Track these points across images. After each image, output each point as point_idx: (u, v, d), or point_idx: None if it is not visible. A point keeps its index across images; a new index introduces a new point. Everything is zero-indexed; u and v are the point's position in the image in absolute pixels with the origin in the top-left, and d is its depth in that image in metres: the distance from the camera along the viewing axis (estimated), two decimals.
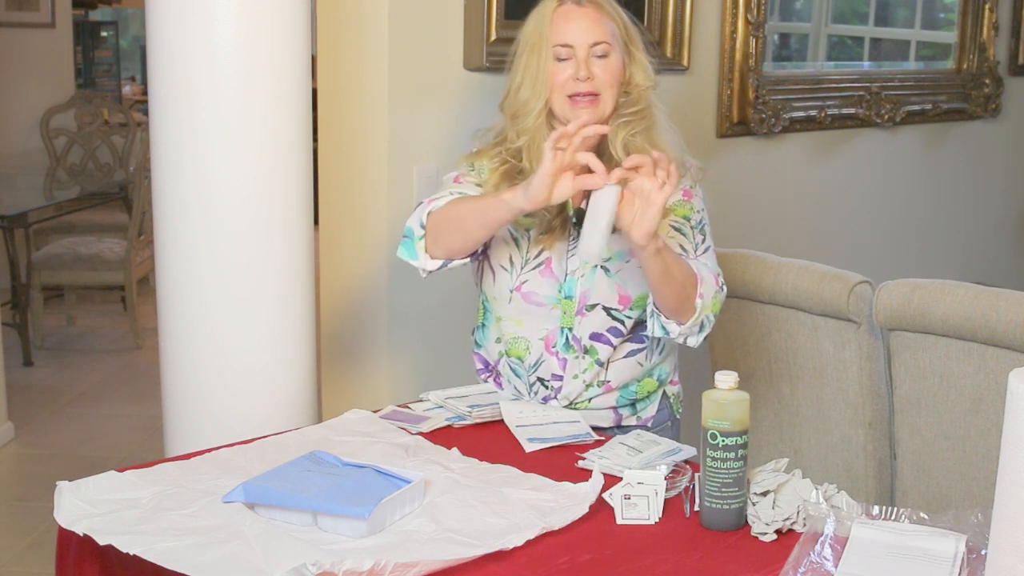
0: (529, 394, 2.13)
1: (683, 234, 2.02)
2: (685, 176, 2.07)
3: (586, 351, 2.06)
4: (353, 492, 1.59)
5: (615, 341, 2.06)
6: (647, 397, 2.15)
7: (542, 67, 2.01)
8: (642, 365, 2.11)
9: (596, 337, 2.06)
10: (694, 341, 1.97)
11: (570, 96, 2.01)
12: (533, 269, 2.07)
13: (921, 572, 1.44)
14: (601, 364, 2.07)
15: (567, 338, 2.06)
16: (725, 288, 1.99)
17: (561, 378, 2.08)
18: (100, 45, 8.86)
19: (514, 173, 2.05)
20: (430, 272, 2.04)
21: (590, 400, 2.10)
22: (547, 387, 2.10)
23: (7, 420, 4.28)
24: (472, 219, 1.96)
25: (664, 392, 2.17)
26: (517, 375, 2.13)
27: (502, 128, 2.11)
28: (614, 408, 2.12)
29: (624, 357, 2.08)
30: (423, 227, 2.00)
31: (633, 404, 2.13)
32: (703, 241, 2.05)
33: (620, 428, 2.11)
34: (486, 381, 2.20)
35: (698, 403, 1.63)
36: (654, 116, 2.07)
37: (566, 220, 2.04)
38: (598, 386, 2.09)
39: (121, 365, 5.20)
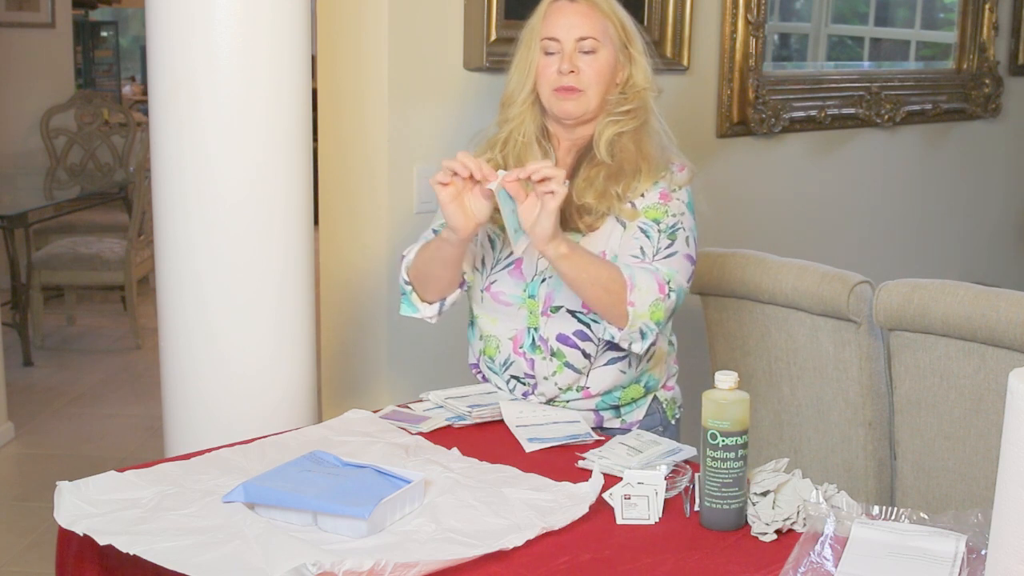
0: (508, 390, 2.14)
1: (647, 236, 2.01)
2: (665, 178, 2.05)
3: (553, 353, 2.06)
4: (353, 492, 1.59)
5: (582, 345, 2.05)
6: (632, 403, 2.14)
7: (530, 59, 2.06)
8: (624, 373, 2.09)
9: (563, 340, 2.05)
10: (638, 347, 1.97)
11: (555, 90, 2.04)
12: (503, 269, 2.09)
13: (921, 572, 1.44)
14: (574, 369, 2.06)
15: (534, 338, 2.07)
16: (674, 296, 1.96)
17: (534, 377, 2.09)
18: (100, 45, 8.85)
19: None
20: (433, 317, 2.12)
21: (567, 403, 2.10)
22: (524, 384, 2.11)
23: (7, 420, 4.28)
24: (433, 263, 2.06)
25: (655, 397, 2.17)
26: (494, 372, 2.14)
27: (494, 134, 2.14)
28: (594, 411, 2.12)
29: (605, 365, 2.08)
30: (408, 283, 2.10)
31: (616, 408, 2.13)
32: (668, 246, 2.01)
33: (603, 429, 2.10)
34: (476, 375, 2.21)
35: (698, 403, 1.63)
36: (645, 117, 2.08)
37: None
38: (576, 391, 2.09)
39: (121, 365, 5.20)
